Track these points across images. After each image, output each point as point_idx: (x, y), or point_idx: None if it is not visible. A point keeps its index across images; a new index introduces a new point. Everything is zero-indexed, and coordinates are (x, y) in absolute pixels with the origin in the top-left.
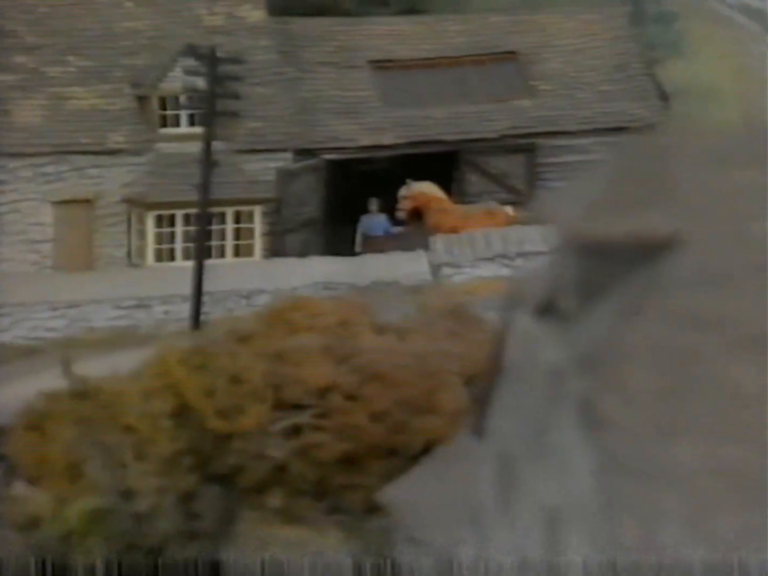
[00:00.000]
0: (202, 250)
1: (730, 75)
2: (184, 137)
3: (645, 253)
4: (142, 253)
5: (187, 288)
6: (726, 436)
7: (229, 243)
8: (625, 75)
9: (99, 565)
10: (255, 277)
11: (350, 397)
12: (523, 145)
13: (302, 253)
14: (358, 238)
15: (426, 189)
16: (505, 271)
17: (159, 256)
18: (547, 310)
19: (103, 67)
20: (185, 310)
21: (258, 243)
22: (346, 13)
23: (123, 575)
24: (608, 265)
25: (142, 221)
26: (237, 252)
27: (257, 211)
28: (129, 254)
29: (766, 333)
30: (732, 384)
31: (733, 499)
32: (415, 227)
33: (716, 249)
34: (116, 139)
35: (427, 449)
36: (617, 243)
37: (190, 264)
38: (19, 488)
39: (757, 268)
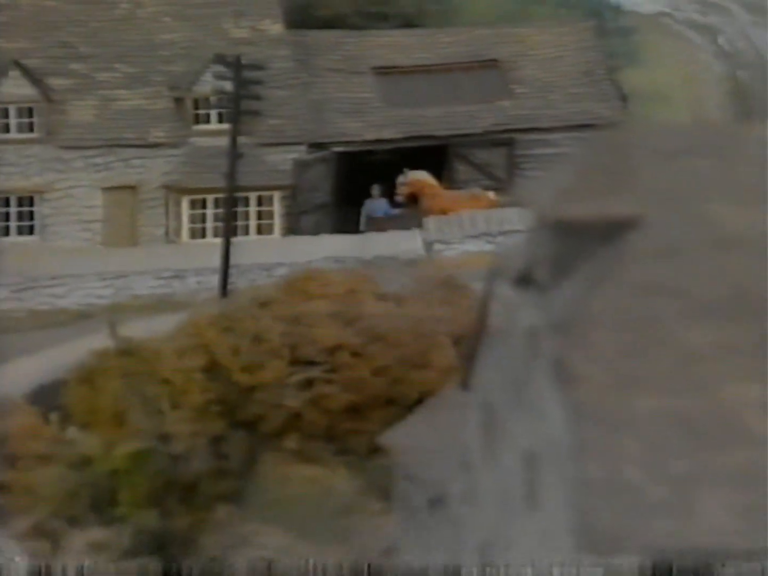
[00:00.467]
0: (229, 229)
1: (679, 81)
2: (213, 133)
3: (609, 232)
4: (177, 231)
5: (216, 262)
6: (680, 389)
7: (252, 223)
8: (590, 80)
9: None
10: (274, 253)
11: (355, 355)
12: (503, 140)
13: (315, 232)
14: (363, 219)
15: (420, 177)
16: (488, 247)
17: (192, 234)
18: (524, 280)
19: (145, 73)
20: (215, 280)
21: (277, 223)
22: (352, 27)
23: None
24: (577, 242)
25: (178, 204)
26: (259, 230)
27: (276, 195)
28: (167, 233)
29: (716, 300)
30: (685, 344)
31: (686, 443)
32: (411, 210)
33: (672, 227)
34: (156, 134)
35: (421, 399)
36: (585, 223)
37: (218, 241)
38: (73, 432)
39: (708, 243)
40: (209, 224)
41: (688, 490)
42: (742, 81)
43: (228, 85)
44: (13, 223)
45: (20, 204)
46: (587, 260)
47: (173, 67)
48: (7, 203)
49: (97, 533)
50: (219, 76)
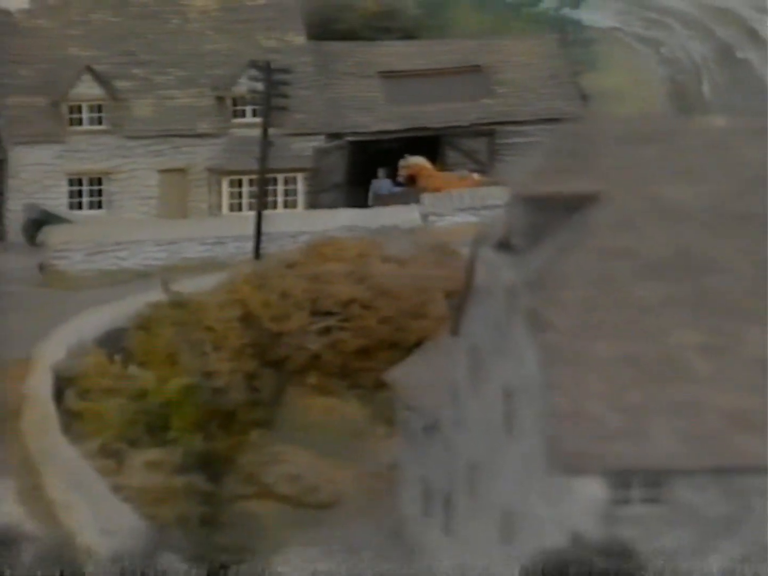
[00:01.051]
0: (261, 204)
1: (630, 83)
2: (248, 125)
3: (574, 206)
4: (219, 206)
5: (250, 231)
6: (633, 335)
7: (280, 199)
8: (557, 82)
9: None
10: (298, 223)
11: (365, 307)
12: (486, 131)
13: (331, 206)
14: (370, 196)
15: (418, 161)
16: (474, 219)
17: (231, 208)
18: (504, 246)
19: (193, 76)
20: (249, 246)
21: (300, 199)
22: (362, 39)
23: None
24: (547, 214)
25: (219, 184)
26: (285, 205)
27: (299, 177)
28: (210, 207)
29: (663, 261)
30: (637, 298)
31: (639, 380)
32: (410, 188)
33: (626, 202)
34: (202, 126)
35: (419, 344)
36: (554, 198)
37: (252, 214)
38: (133, 370)
39: (656, 215)
40: (245, 200)
41: (641, 419)
42: (680, 83)
43: (260, 86)
44: (85, 199)
45: (91, 184)
46: (556, 229)
47: (215, 71)
48: (80, 183)
49: (153, 453)
50: (253, 79)
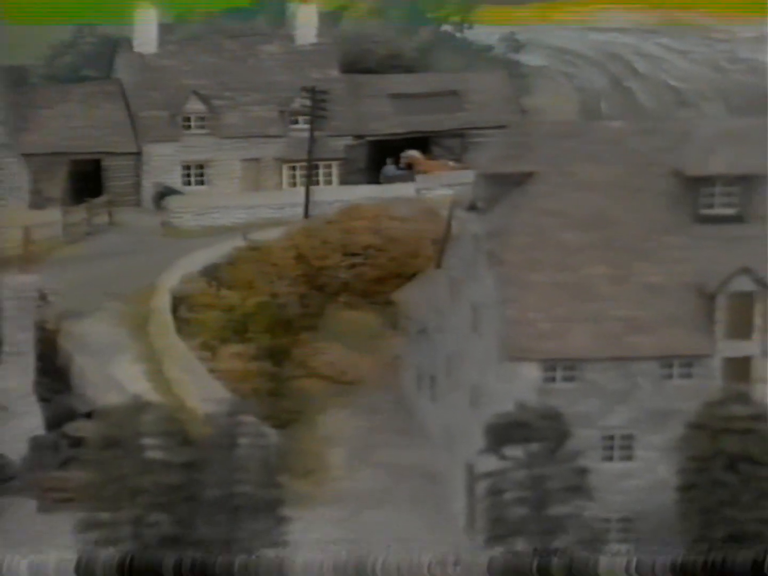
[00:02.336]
0: (309, 182)
1: (553, 103)
2: (300, 130)
3: (518, 181)
4: (280, 183)
5: (301, 199)
6: (559, 268)
7: (321, 179)
8: (505, 101)
9: None
10: (333, 195)
11: (379, 250)
12: (459, 134)
13: (356, 183)
14: (381, 177)
15: (414, 153)
16: (451, 191)
17: (289, 185)
18: (472, 207)
19: (264, 98)
20: (301, 210)
21: (335, 179)
22: (377, 72)
23: None
24: (501, 187)
25: (280, 169)
26: (325, 183)
27: (334, 164)
28: (275, 184)
29: (577, 218)
30: (563, 243)
31: (563, 299)
32: (409, 172)
33: (553, 178)
34: (270, 130)
35: (415, 275)
36: (505, 176)
37: (302, 189)
38: (224, 292)
39: (575, 186)
40: (297, 179)
41: (564, 325)
42: (587, 103)
43: (308, 103)
44: (192, 179)
45: (197, 168)
46: (506, 196)
47: (279, 93)
48: (189, 168)
49: (236, 347)
50: (304, 98)
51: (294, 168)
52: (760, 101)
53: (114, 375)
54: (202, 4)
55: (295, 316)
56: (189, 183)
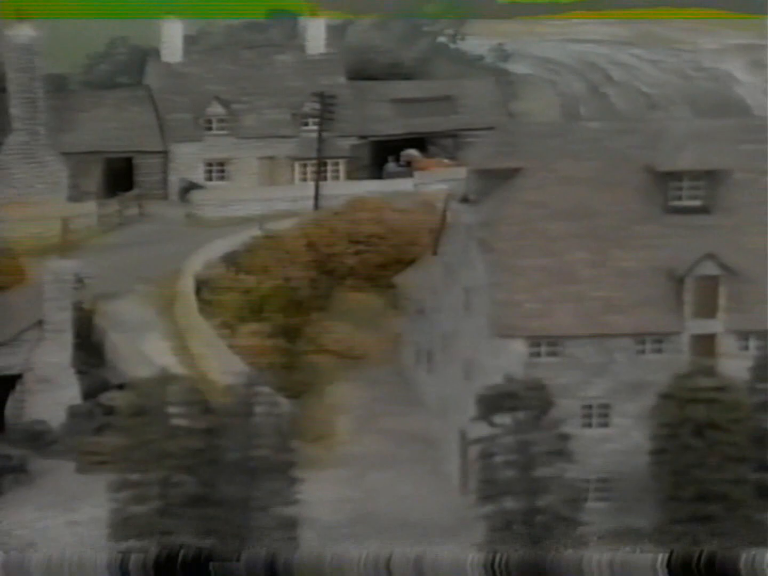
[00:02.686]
0: (319, 178)
1: (538, 106)
2: (310, 131)
3: (507, 175)
4: (293, 179)
5: (312, 193)
6: (544, 254)
7: (330, 175)
8: (494, 105)
9: None
10: (340, 189)
11: (381, 238)
12: (453, 134)
13: (360, 179)
14: (383, 173)
15: (412, 152)
16: (446, 186)
17: (301, 180)
18: (465, 200)
19: (278, 102)
20: (311, 202)
21: (342, 175)
22: (380, 79)
23: None
24: (490, 181)
25: (293, 166)
26: (333, 178)
27: (341, 162)
28: (288, 180)
29: (562, 210)
30: (547, 232)
31: (549, 281)
32: (408, 169)
33: (537, 173)
34: (283, 131)
35: (414, 261)
36: (495, 171)
37: (313, 184)
38: (242, 276)
39: (558, 181)
40: (308, 176)
41: (548, 305)
42: (567, 106)
43: (318, 107)
44: (214, 175)
45: (218, 165)
46: (495, 190)
47: (291, 98)
48: (211, 165)
49: (253, 326)
50: (313, 102)
51: (305, 165)
52: (721, 105)
53: (143, 350)
54: (222, 18)
55: (306, 298)
56: (211, 178)
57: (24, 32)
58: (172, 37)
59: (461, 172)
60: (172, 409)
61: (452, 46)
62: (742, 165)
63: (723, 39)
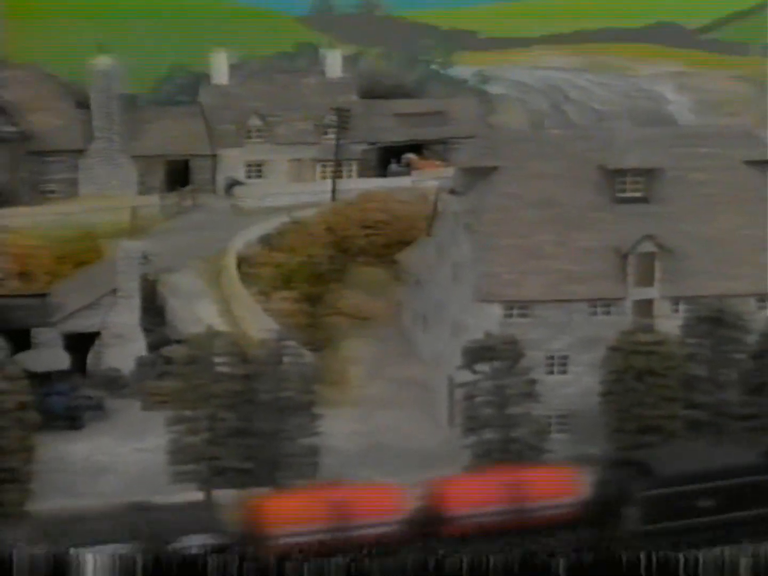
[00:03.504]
0: (335, 176)
1: (511, 119)
2: (329, 139)
3: (488, 171)
4: (314, 176)
5: (330, 188)
6: (519, 236)
7: (345, 173)
8: (476, 118)
9: None
10: (354, 184)
11: (386, 224)
12: (444, 141)
13: (369, 177)
14: (388, 172)
15: (411, 156)
16: (437, 182)
17: (321, 178)
18: (453, 192)
19: (305, 115)
20: (330, 195)
21: (354, 174)
22: (385, 98)
23: None
24: (474, 176)
25: (314, 166)
26: (348, 177)
27: (354, 163)
28: (312, 178)
29: (536, 200)
30: (523, 218)
31: (522, 257)
32: (407, 169)
33: (514, 171)
34: (308, 139)
35: (411, 242)
36: (477, 168)
37: (331, 181)
38: (275, 253)
39: (530, 177)
40: (328, 174)
41: (521, 276)
42: (535, 120)
43: (335, 119)
44: (253, 174)
45: (256, 166)
46: (478, 184)
47: (315, 112)
48: (250, 166)
49: (283, 293)
50: (332, 115)
51: (325, 166)
52: (655, 118)
53: (196, 312)
54: (260, 50)
55: (325, 271)
56: (250, 177)
57: (104, 62)
58: (220, 65)
59: (450, 170)
60: (217, 359)
61: (442, 72)
62: (673, 164)
63: (657, 67)
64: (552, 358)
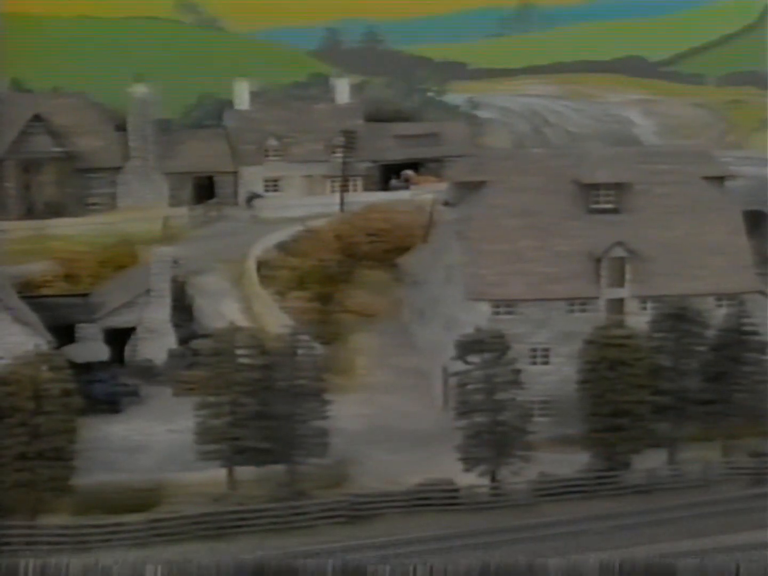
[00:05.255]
0: (343, 190)
1: (497, 140)
2: (338, 157)
3: (477, 186)
4: (324, 191)
5: (339, 200)
6: (503, 242)
7: (351, 188)
8: (466, 139)
9: None
10: (359, 197)
11: (388, 232)
12: (438, 160)
13: (373, 191)
14: (389, 187)
15: (410, 172)
16: (433, 195)
17: (331, 192)
18: (446, 203)
19: (317, 137)
20: (338, 207)
21: (360, 188)
22: (387, 121)
23: None
24: (465, 190)
25: (325, 182)
26: (354, 191)
27: (359, 179)
28: (321, 192)
29: (519, 210)
30: (507, 227)
31: (506, 261)
32: (406, 184)
33: (499, 185)
34: (320, 158)
35: (410, 248)
36: (467, 183)
37: (339, 194)
38: (290, 258)
39: (513, 190)
40: (336, 188)
41: (505, 278)
42: (517, 141)
43: (343, 140)
44: (269, 188)
45: (294, 181)
46: (468, 196)
47: (325, 134)
48: (274, 181)
49: (298, 293)
50: (340, 137)
51: (334, 181)
52: (623, 139)
53: (220, 310)
54: (277, 79)
55: (335, 274)
56: (268, 190)
57: (140, 90)
58: (242, 93)
59: (444, 185)
60: (239, 351)
61: (437, 98)
62: (640, 179)
63: (625, 95)
64: (535, 350)
